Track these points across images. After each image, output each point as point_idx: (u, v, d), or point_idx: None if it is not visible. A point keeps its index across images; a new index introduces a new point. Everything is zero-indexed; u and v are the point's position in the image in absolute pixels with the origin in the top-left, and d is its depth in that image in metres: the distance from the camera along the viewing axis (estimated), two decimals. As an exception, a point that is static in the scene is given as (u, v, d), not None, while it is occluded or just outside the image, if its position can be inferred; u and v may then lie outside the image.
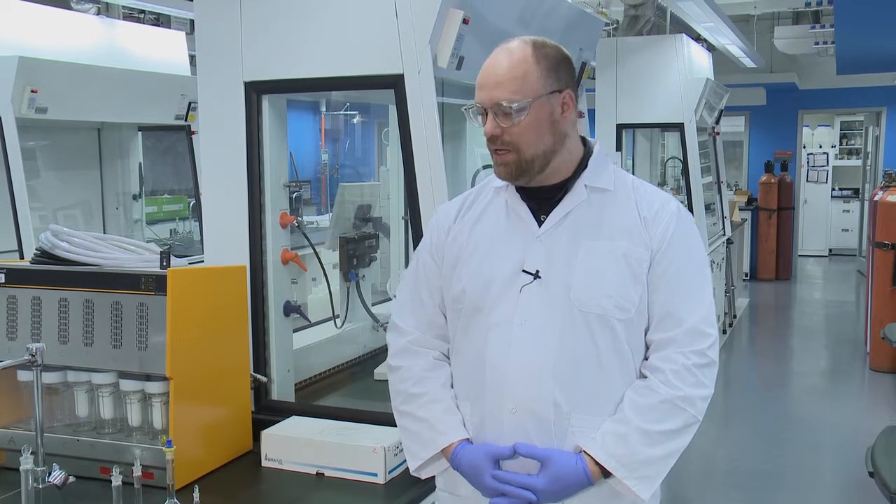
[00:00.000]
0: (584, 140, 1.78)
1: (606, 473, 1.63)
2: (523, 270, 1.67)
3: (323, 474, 2.20)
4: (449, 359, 1.81)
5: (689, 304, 1.67)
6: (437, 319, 1.81)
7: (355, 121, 11.34)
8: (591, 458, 1.62)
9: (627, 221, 1.68)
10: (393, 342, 1.85)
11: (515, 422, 1.67)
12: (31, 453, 1.85)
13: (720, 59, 9.28)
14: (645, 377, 1.68)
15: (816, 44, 9.37)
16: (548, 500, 1.64)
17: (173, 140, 5.80)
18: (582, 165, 1.73)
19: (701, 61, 7.58)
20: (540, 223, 1.70)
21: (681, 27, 7.64)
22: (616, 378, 1.66)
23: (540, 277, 1.66)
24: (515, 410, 1.66)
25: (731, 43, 8.88)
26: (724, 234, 7.95)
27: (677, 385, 1.63)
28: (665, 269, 1.66)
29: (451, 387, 1.78)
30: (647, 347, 1.70)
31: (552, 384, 1.64)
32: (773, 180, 11.61)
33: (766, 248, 11.63)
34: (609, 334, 1.65)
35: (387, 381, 2.88)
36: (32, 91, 4.18)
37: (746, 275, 11.24)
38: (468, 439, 1.73)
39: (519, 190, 1.74)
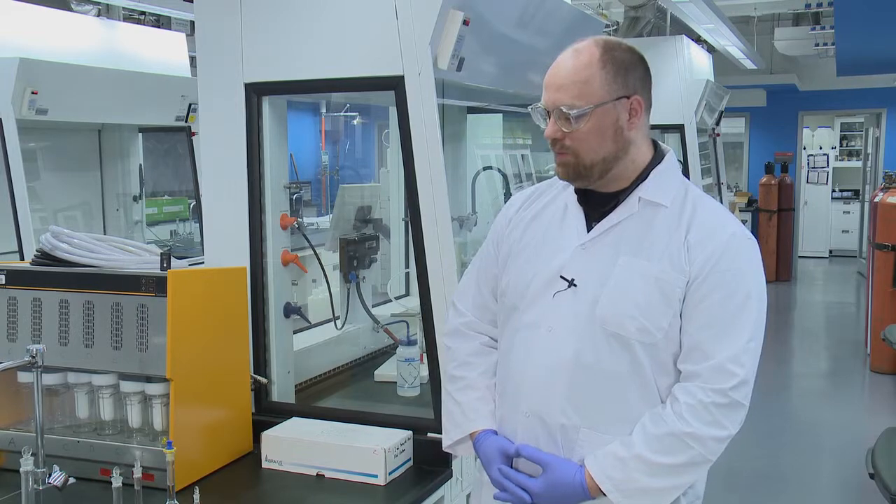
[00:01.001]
0: (656, 146, 1.72)
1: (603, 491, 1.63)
2: (560, 276, 1.66)
3: (323, 476, 2.20)
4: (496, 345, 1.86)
5: (720, 339, 1.58)
6: (491, 306, 1.84)
7: (355, 122, 11.34)
8: (590, 474, 1.63)
9: (671, 242, 1.61)
10: (449, 321, 1.90)
11: (527, 426, 1.69)
12: (32, 455, 1.85)
13: (720, 60, 9.28)
14: (664, 405, 1.64)
15: (816, 45, 9.38)
16: (543, 503, 1.66)
17: (174, 141, 5.81)
18: (644, 175, 1.67)
19: (701, 63, 7.58)
20: (590, 229, 1.68)
21: (681, 28, 7.64)
22: (634, 400, 1.62)
23: (575, 286, 1.65)
24: (528, 415, 1.68)
25: (731, 44, 8.89)
26: (724, 236, 7.94)
27: (689, 421, 1.57)
28: (700, 299, 1.58)
29: (493, 374, 1.82)
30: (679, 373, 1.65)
31: (563, 395, 1.64)
32: (773, 182, 11.61)
33: (767, 249, 11.63)
34: (629, 356, 1.61)
35: (386, 382, 2.90)
36: (33, 92, 4.18)
37: (747, 276, 11.23)
38: (494, 430, 1.78)
39: (578, 192, 1.71)
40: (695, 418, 1.57)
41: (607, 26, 7.72)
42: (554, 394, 1.65)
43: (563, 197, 1.75)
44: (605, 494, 1.61)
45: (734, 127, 12.16)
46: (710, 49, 8.60)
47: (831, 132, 14.66)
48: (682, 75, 6.76)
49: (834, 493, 4.88)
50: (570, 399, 1.64)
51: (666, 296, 1.59)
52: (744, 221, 10.42)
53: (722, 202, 7.92)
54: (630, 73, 1.62)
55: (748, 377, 1.60)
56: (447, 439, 1.85)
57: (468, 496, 2.16)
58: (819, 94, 12.06)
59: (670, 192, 1.66)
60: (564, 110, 1.59)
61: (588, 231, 1.67)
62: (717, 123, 7.92)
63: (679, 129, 6.83)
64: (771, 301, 8.37)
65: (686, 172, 6.87)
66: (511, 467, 1.71)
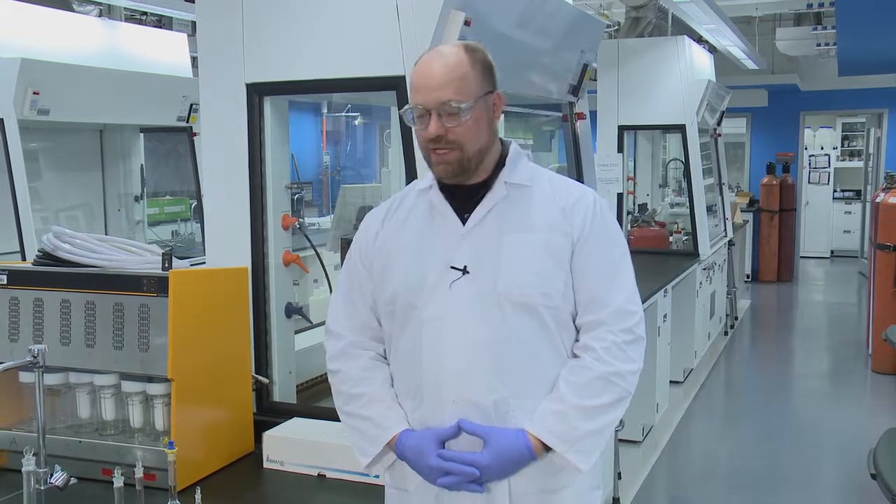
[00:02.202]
0: (500, 140, 1.85)
1: (547, 448, 1.69)
2: (451, 267, 1.73)
3: (324, 476, 2.21)
4: (386, 359, 1.86)
5: (613, 286, 1.75)
6: (370, 322, 1.85)
7: (357, 122, 11.34)
8: (532, 435, 1.69)
9: (547, 213, 1.76)
10: (330, 347, 1.88)
11: (456, 413, 1.72)
12: (34, 455, 1.85)
13: (722, 60, 9.28)
14: (577, 357, 1.75)
15: (818, 45, 9.37)
16: (492, 476, 1.69)
17: (175, 142, 5.81)
18: (500, 164, 1.80)
19: (702, 63, 7.58)
20: (464, 221, 1.76)
21: (682, 29, 7.64)
22: (549, 361, 1.74)
23: (468, 272, 1.72)
24: (456, 401, 1.72)
25: (732, 44, 8.88)
26: (725, 236, 7.94)
27: (609, 361, 1.70)
28: (587, 255, 1.74)
29: (392, 385, 1.83)
30: (577, 331, 1.77)
31: (488, 372, 1.70)
32: (774, 182, 11.60)
33: (768, 249, 11.62)
34: (537, 321, 1.71)
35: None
36: (34, 93, 4.19)
37: (748, 276, 11.24)
38: (411, 430, 1.77)
39: (442, 190, 1.79)
40: (613, 358, 1.71)
41: (608, 26, 7.72)
42: (479, 374, 1.70)
43: (423, 200, 1.82)
44: (548, 451, 1.68)
45: (735, 127, 12.14)
46: (712, 49, 8.60)
47: (833, 132, 14.64)
48: (684, 75, 6.76)
49: (835, 493, 4.88)
50: (495, 373, 1.70)
51: (557, 260, 1.73)
52: (745, 222, 10.43)
53: (723, 202, 7.92)
54: (491, 72, 1.75)
55: (642, 314, 1.78)
56: (365, 457, 1.80)
57: None
58: (821, 95, 12.04)
59: (526, 173, 1.81)
60: (454, 104, 1.68)
61: (463, 223, 1.76)
62: (719, 124, 7.92)
63: (680, 129, 6.83)
64: (772, 301, 8.32)
65: (688, 173, 6.89)
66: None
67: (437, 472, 1.70)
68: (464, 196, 1.78)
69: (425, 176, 1.84)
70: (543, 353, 1.73)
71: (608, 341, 1.71)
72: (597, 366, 1.70)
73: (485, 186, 1.78)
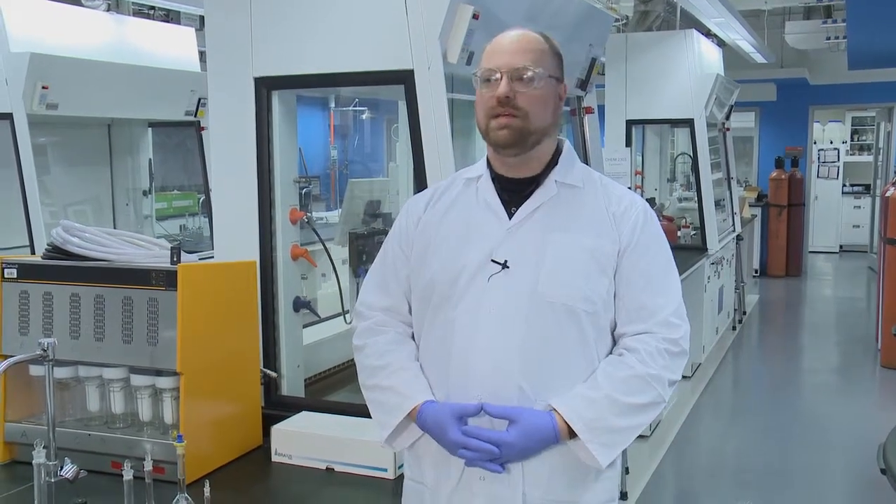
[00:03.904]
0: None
1: (572, 434, 1.65)
2: (492, 260, 1.70)
3: (333, 469, 2.21)
4: (413, 338, 1.83)
5: (660, 297, 1.72)
6: (401, 307, 1.83)
7: (364, 117, 11.34)
8: (561, 416, 1.65)
9: (596, 217, 1.73)
10: (357, 325, 1.87)
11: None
12: (44, 447, 1.86)
13: (730, 54, 9.24)
14: (619, 355, 1.71)
15: (828, 38, 9.32)
16: (512, 455, 1.66)
17: (183, 136, 5.82)
18: (553, 162, 1.77)
19: (711, 57, 7.54)
20: (510, 216, 1.73)
21: (691, 23, 7.60)
22: (579, 367, 1.70)
23: (508, 268, 1.69)
24: (481, 397, 1.67)
25: (741, 38, 8.85)
26: (733, 231, 7.92)
27: (650, 364, 1.67)
28: (634, 264, 1.71)
29: (417, 359, 1.79)
30: (615, 342, 1.74)
31: (517, 371, 1.67)
32: (783, 176, 11.55)
33: (777, 244, 11.58)
34: (575, 325, 1.68)
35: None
36: (43, 87, 4.20)
37: (756, 271, 11.20)
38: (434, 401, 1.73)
39: (494, 182, 1.77)
40: (655, 362, 1.68)
41: (617, 20, 7.69)
42: (508, 372, 1.67)
43: (471, 190, 1.79)
44: (573, 436, 1.64)
45: (744, 121, 12.09)
46: (721, 43, 8.56)
47: (842, 126, 14.57)
48: (692, 70, 6.74)
49: (844, 488, 4.86)
50: (525, 376, 1.67)
51: (601, 265, 1.69)
52: (753, 216, 10.39)
53: (732, 197, 7.90)
54: (561, 62, 1.75)
55: (688, 328, 1.75)
56: (385, 430, 1.75)
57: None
58: (830, 88, 11.97)
59: (579, 174, 1.79)
60: (527, 68, 1.67)
61: (509, 217, 1.73)
62: (727, 118, 7.89)
63: (689, 123, 6.81)
64: (781, 296, 8.28)
65: (696, 167, 6.86)
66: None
67: (457, 445, 1.66)
68: (513, 189, 1.75)
69: (474, 165, 1.82)
70: (576, 360, 1.69)
71: (652, 346, 1.68)
72: (638, 366, 1.67)
73: (535, 182, 1.74)
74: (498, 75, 1.68)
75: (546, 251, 1.68)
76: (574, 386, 1.68)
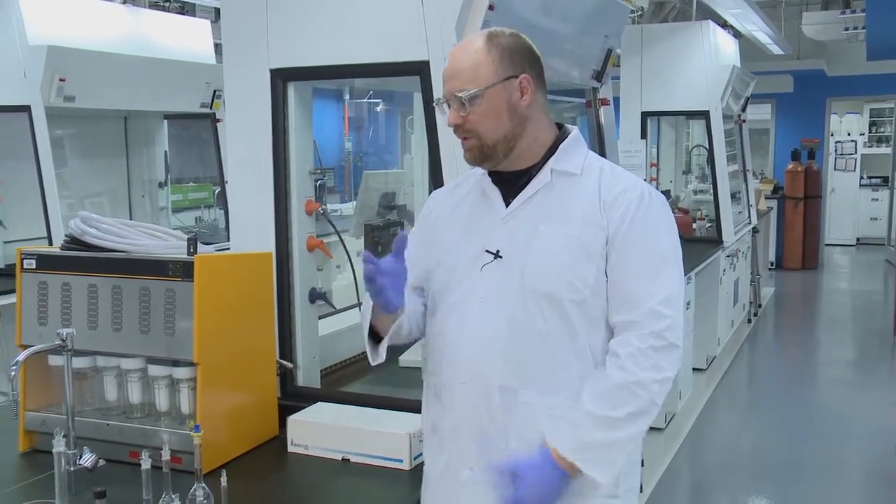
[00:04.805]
0: (560, 126, 1.83)
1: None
2: (486, 250, 1.74)
3: (348, 460, 2.22)
4: (425, 306, 1.88)
5: (647, 286, 1.67)
6: (416, 286, 1.87)
7: (379, 109, 11.35)
8: (550, 446, 1.66)
9: (586, 204, 1.72)
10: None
11: (466, 393, 1.74)
12: (63, 436, 1.88)
13: (747, 45, 9.17)
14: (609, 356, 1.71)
15: (846, 29, 9.22)
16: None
17: (198, 128, 5.84)
18: (552, 150, 1.77)
19: (727, 48, 7.49)
20: (508, 206, 1.77)
21: (707, 14, 7.55)
22: (569, 359, 1.70)
23: (501, 257, 1.73)
24: (466, 381, 1.74)
25: (758, 29, 8.78)
26: (749, 223, 7.88)
27: (632, 370, 1.64)
28: (623, 252, 1.68)
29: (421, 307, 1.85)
30: (612, 333, 1.73)
31: (500, 360, 1.71)
32: (799, 168, 11.47)
33: (793, 237, 11.51)
34: (559, 314, 1.69)
35: (412, 367, 2.90)
36: (61, 80, 4.23)
37: (772, 264, 11.14)
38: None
39: (491, 175, 1.80)
40: (636, 366, 1.65)
41: (632, 12, 7.64)
42: (491, 357, 1.71)
43: (479, 183, 1.84)
44: (580, 471, 1.65)
45: (760, 113, 12.01)
46: (737, 34, 8.50)
47: (860, 118, 14.44)
48: (708, 61, 6.69)
49: (860, 482, 4.84)
50: (506, 361, 1.70)
51: (588, 252, 1.68)
52: (769, 209, 10.33)
53: (748, 189, 7.85)
54: (515, 55, 1.72)
55: (679, 319, 1.69)
56: (367, 326, 1.85)
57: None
58: (847, 80, 11.86)
59: (578, 161, 1.77)
60: (458, 95, 1.69)
61: (507, 207, 1.76)
62: (744, 110, 7.83)
63: (705, 115, 6.77)
64: (797, 289, 8.25)
65: (712, 159, 6.83)
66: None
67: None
68: (510, 182, 1.78)
69: None
70: (563, 350, 1.69)
71: (633, 347, 1.65)
72: (618, 374, 1.65)
73: (531, 172, 1.76)
74: (445, 105, 1.73)
75: (534, 240, 1.71)
76: (560, 377, 1.70)
